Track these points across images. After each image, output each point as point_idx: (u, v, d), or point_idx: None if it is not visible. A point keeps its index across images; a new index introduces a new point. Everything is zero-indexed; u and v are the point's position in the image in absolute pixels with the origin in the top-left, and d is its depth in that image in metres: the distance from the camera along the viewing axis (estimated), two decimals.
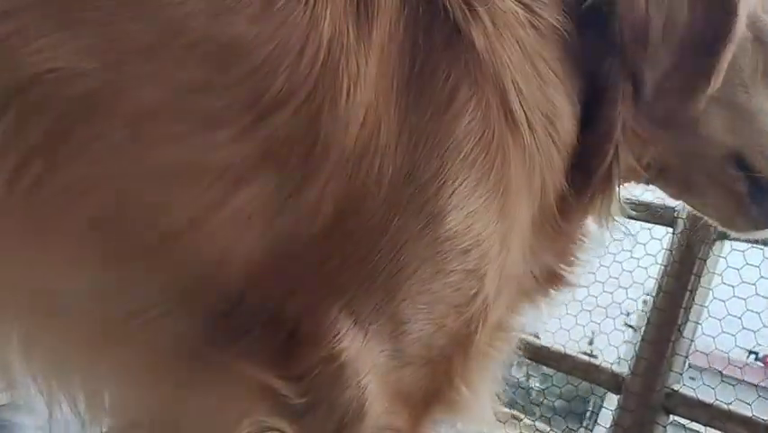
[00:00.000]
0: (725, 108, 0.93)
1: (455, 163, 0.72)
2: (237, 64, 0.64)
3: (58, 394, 0.77)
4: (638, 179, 0.98)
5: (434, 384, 0.74)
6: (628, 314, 2.29)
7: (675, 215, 1.87)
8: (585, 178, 0.86)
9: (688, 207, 1.10)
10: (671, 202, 1.87)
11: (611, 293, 1.95)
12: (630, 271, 1.87)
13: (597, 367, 1.91)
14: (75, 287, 0.68)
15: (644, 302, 1.95)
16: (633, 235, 1.89)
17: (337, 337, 0.67)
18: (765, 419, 1.66)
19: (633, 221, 1.90)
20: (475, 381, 0.78)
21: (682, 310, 1.80)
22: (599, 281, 1.98)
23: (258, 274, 0.67)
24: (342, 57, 0.67)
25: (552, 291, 0.90)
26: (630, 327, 2.44)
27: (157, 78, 0.62)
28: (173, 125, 0.63)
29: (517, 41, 0.79)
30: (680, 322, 1.81)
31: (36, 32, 0.59)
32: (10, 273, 0.67)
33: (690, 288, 1.80)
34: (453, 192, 0.71)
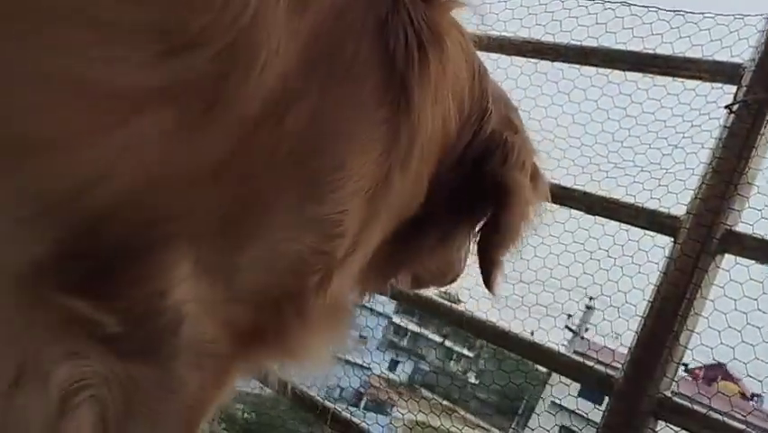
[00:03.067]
0: None
1: (352, 171, 0.80)
2: None
3: None
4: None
5: (262, 325, 0.80)
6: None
7: (678, 224, 1.88)
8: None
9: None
10: (675, 211, 1.89)
11: (610, 297, 1.98)
12: (630, 277, 1.89)
13: (589, 368, 1.93)
14: None
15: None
16: (636, 242, 1.91)
17: (172, 277, 0.69)
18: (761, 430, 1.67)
19: (635, 228, 1.94)
20: (303, 335, 0.85)
21: (679, 317, 1.82)
22: (598, 283, 2.00)
23: (124, 204, 0.66)
24: (266, 29, 0.67)
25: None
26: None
27: None
28: (77, 30, 0.59)
29: (443, 117, 0.93)
30: (675, 329, 1.83)
31: None
32: None
33: (688, 296, 1.82)
34: (338, 189, 0.79)
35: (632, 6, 2.03)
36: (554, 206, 2.03)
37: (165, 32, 0.62)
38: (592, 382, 1.91)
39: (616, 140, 2.01)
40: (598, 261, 2.13)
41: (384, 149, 0.84)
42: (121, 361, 0.69)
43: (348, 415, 2.24)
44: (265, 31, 0.67)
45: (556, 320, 2.37)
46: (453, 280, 1.33)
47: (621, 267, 1.91)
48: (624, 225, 1.95)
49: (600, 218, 1.98)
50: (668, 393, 1.82)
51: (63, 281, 0.67)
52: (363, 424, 2.16)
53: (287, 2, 0.69)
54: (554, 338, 2.45)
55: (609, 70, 2.07)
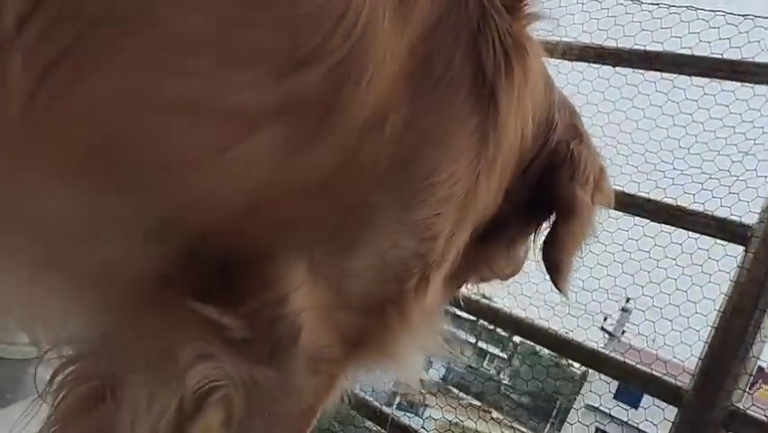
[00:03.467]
0: None
1: (447, 177, 0.83)
2: (282, 6, 0.64)
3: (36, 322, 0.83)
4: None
5: (368, 329, 0.83)
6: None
7: (750, 233, 1.85)
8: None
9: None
10: (746, 219, 1.85)
11: (678, 306, 1.95)
12: (701, 286, 1.86)
13: (658, 378, 1.90)
14: (62, 205, 0.67)
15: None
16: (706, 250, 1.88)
17: (289, 284, 0.73)
18: None
19: (706, 236, 1.90)
20: (405, 337, 0.89)
21: (751, 327, 1.79)
22: (665, 292, 1.97)
23: (240, 218, 0.71)
24: (374, 43, 0.70)
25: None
26: None
27: (201, 2, 0.61)
28: (206, 57, 0.62)
29: (522, 126, 0.96)
30: (747, 339, 1.80)
31: None
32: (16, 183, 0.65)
33: (760, 306, 1.78)
34: (434, 194, 0.82)
35: (698, 11, 1.99)
36: (618, 213, 2.01)
37: (282, 51, 0.65)
38: (660, 393, 1.88)
39: (682, 146, 1.98)
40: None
41: (474, 155, 0.87)
42: (246, 364, 0.73)
43: (407, 421, 2.24)
44: (373, 44, 0.71)
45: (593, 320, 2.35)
46: (513, 276, 1.37)
47: (690, 276, 1.87)
48: (692, 234, 1.92)
49: (667, 226, 1.95)
50: (740, 405, 1.79)
51: (192, 288, 0.72)
52: (422, 430, 2.16)
53: (390, 16, 0.72)
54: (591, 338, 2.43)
55: (675, 75, 2.04)
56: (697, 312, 1.85)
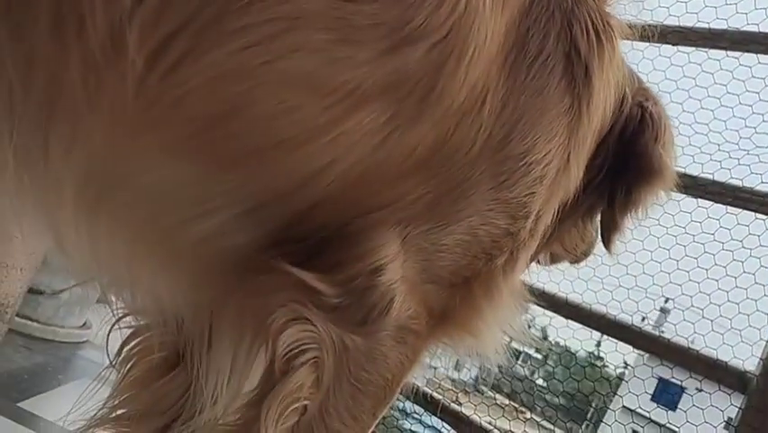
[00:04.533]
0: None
1: (541, 157, 0.84)
2: None
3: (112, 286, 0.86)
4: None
5: (453, 304, 0.84)
6: None
7: None
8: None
9: None
10: None
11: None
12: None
13: (724, 364, 1.84)
14: (171, 178, 0.70)
15: None
16: None
17: (384, 255, 0.75)
18: None
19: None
20: (489, 315, 0.89)
21: None
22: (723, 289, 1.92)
23: (340, 193, 0.73)
24: (475, 21, 0.72)
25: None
26: None
27: None
28: (319, 33, 0.64)
29: (605, 103, 0.96)
30: None
31: None
32: (125, 152, 0.68)
33: None
34: (529, 173, 0.83)
35: None
36: (680, 195, 1.95)
37: (390, 28, 0.67)
38: (726, 380, 1.82)
39: (748, 126, 1.91)
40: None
41: (567, 135, 0.88)
42: (337, 329, 0.75)
43: (458, 407, 2.22)
44: (475, 22, 0.72)
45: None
46: (587, 255, 1.36)
47: (759, 258, 1.81)
48: (759, 215, 1.86)
49: (732, 208, 1.89)
50: None
51: (290, 257, 0.74)
52: (474, 416, 2.13)
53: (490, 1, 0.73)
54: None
55: (740, 53, 1.97)
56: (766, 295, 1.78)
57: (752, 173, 1.87)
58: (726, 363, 1.83)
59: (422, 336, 0.82)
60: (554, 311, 2.27)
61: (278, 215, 0.74)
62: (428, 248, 0.80)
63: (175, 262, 0.79)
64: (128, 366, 0.98)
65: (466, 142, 0.78)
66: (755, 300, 1.95)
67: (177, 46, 0.61)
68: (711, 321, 2.26)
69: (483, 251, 0.84)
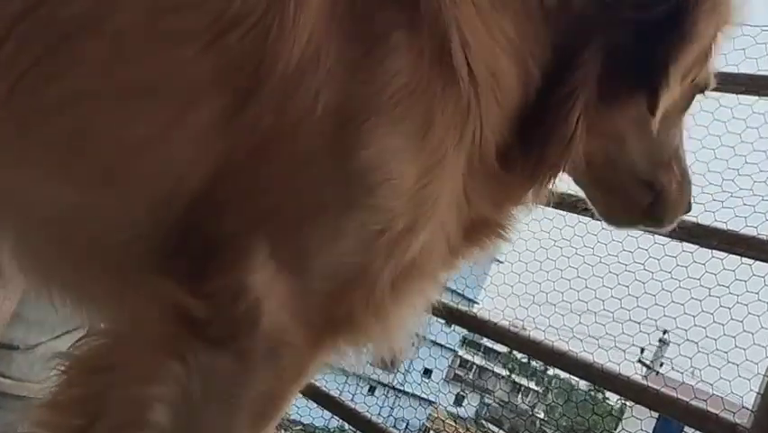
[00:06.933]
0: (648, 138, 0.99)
1: (380, 101, 0.75)
2: None
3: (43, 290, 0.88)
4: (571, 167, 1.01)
5: (335, 313, 0.78)
6: None
7: None
8: (541, 146, 0.90)
9: None
10: None
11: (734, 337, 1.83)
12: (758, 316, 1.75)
13: (714, 416, 1.77)
14: (55, 196, 0.75)
15: None
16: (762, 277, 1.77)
17: (250, 266, 0.73)
18: None
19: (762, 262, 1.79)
20: (385, 316, 0.82)
21: None
22: (719, 322, 1.86)
23: (199, 196, 0.73)
24: None
25: (485, 241, 0.96)
26: None
27: (129, 1, 0.70)
28: (145, 43, 0.70)
29: (473, 2, 0.83)
30: None
31: None
32: (10, 180, 0.75)
33: None
34: (372, 128, 0.74)
35: (743, 26, 1.90)
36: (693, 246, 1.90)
37: (210, 23, 0.70)
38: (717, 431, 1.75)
39: (731, 168, 1.88)
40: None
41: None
42: (205, 349, 0.73)
43: None
44: None
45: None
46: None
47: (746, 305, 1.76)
48: (746, 260, 1.81)
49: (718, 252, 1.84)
50: None
51: (180, 268, 0.74)
52: None
53: None
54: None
55: (720, 94, 1.94)
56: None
57: (735, 216, 1.83)
58: (716, 414, 1.76)
59: (299, 347, 0.77)
60: (544, 361, 2.22)
61: (161, 224, 0.75)
62: (295, 255, 0.75)
63: (83, 277, 0.83)
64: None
65: (307, 108, 0.73)
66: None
67: (34, 74, 0.69)
68: (708, 354, 2.21)
69: (354, 242, 0.77)
